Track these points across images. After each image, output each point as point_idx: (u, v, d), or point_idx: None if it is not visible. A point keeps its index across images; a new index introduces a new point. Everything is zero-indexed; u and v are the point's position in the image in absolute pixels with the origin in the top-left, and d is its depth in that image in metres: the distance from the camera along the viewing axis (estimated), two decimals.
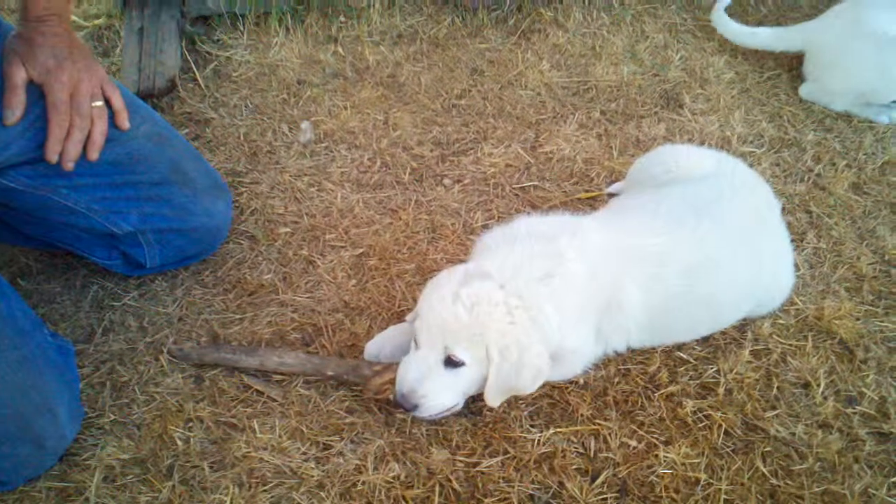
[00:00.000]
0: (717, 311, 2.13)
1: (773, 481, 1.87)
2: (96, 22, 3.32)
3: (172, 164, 2.19)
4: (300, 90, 3.02)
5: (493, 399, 1.88)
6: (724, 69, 3.14)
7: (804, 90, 2.99)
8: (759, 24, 3.32)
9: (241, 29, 3.28)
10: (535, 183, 2.66)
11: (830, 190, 2.63)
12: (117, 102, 2.02)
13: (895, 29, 2.82)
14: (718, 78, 3.10)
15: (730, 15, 3.25)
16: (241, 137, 2.79)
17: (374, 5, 3.42)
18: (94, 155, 1.98)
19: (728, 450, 1.93)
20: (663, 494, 1.83)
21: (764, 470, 1.89)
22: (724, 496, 1.83)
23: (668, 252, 2.01)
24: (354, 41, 3.28)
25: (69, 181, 2.05)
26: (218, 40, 3.23)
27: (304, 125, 2.84)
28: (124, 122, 2.03)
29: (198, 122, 2.85)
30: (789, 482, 1.87)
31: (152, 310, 2.24)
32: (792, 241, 2.38)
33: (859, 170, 2.72)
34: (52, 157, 1.92)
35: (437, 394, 1.86)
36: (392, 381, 1.91)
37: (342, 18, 3.38)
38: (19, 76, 1.88)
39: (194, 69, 3.05)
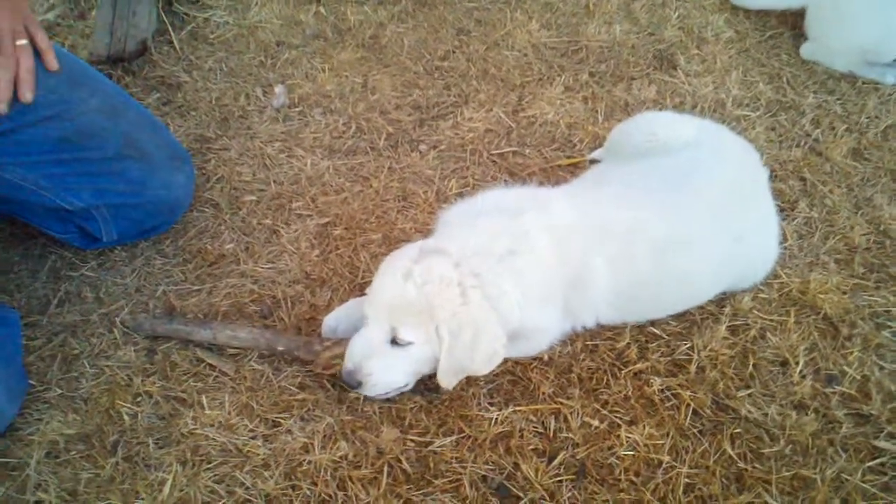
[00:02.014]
0: (690, 288, 2.04)
1: (741, 464, 1.79)
2: None
3: (126, 137, 2.14)
4: (278, 52, 2.95)
5: (446, 380, 1.82)
6: (724, 28, 3.01)
7: (805, 49, 2.86)
8: None
9: None
10: (515, 149, 2.57)
11: (827, 156, 2.51)
12: (42, 42, 1.97)
13: None
14: (717, 37, 2.97)
15: None
16: (213, 102, 2.73)
17: None
18: (27, 96, 1.92)
19: (695, 431, 1.86)
20: (622, 477, 1.77)
21: (731, 452, 1.81)
22: (685, 479, 1.76)
23: (638, 227, 1.93)
24: (338, 1, 3.18)
25: (15, 158, 2.01)
26: (197, 1, 3.15)
27: (278, 89, 2.77)
28: (52, 61, 1.98)
29: (169, 86, 2.79)
30: (757, 465, 1.79)
31: (109, 280, 2.20)
32: (782, 210, 2.28)
33: (860, 134, 2.59)
34: None
35: (383, 372, 1.80)
36: (342, 356, 1.86)
37: None
38: None
39: (170, 31, 2.99)
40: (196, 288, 2.18)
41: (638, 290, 1.96)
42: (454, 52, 2.94)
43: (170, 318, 2.07)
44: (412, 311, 1.75)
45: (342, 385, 1.90)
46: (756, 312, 2.08)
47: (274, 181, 2.47)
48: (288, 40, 3.01)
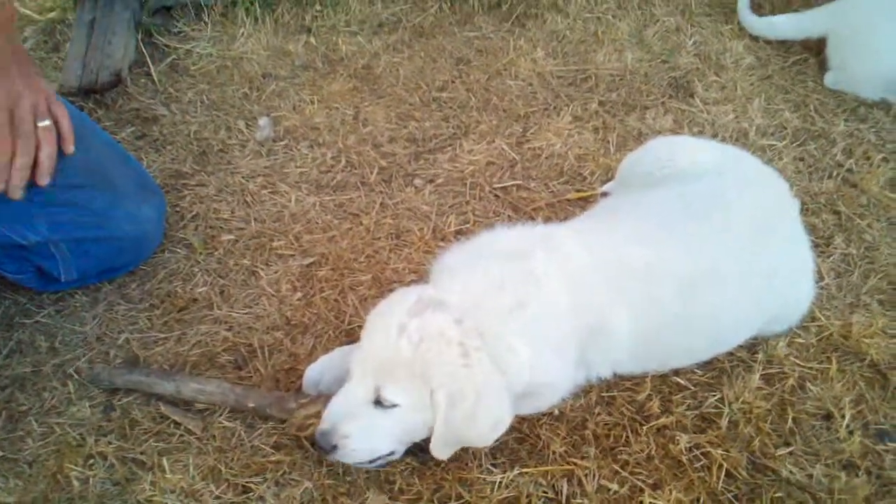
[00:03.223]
0: (719, 330, 1.85)
1: None
2: (50, 15, 3.15)
3: (90, 164, 1.98)
4: (264, 84, 2.80)
5: (440, 451, 1.62)
6: (744, 54, 2.86)
7: (829, 79, 2.70)
8: (786, 11, 3.02)
9: (206, 20, 3.07)
10: (519, 182, 2.40)
11: (863, 187, 2.33)
12: (65, 125, 1.82)
13: None
14: (736, 64, 2.81)
15: (756, 3, 2.97)
16: (191, 135, 2.58)
17: None
18: (42, 181, 1.79)
19: (730, 496, 1.65)
20: None
21: None
22: None
23: (660, 265, 1.74)
24: (330, 31, 3.06)
25: None
26: (179, 32, 3.03)
27: (262, 121, 2.62)
28: (69, 146, 1.83)
29: (145, 120, 2.64)
30: None
31: (67, 328, 2.02)
32: (816, 246, 2.10)
33: None
34: None
35: (362, 437, 1.59)
36: (319, 416, 1.65)
37: (318, 7, 3.16)
38: None
39: (149, 63, 2.85)
40: (163, 336, 1.99)
41: (662, 334, 1.77)
42: (453, 81, 2.79)
43: (130, 369, 1.88)
44: (403, 370, 1.56)
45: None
46: (793, 359, 1.89)
47: (255, 219, 2.30)
48: (275, 72, 2.87)
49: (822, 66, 2.78)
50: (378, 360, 1.57)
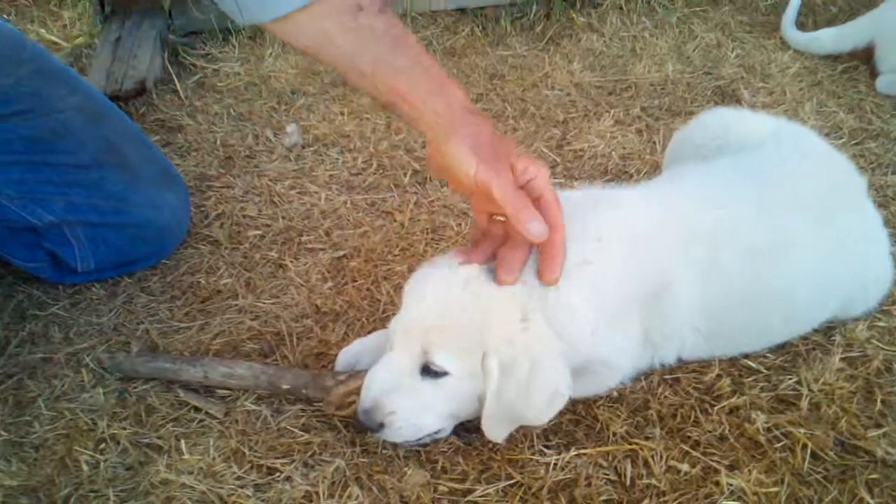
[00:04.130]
0: (793, 307, 1.70)
1: None
2: (76, 41, 3.14)
3: (107, 143, 1.91)
4: (293, 99, 2.75)
5: (493, 430, 1.46)
6: (789, 63, 2.80)
7: (881, 84, 2.62)
8: (830, 24, 2.96)
9: (234, 43, 3.05)
10: (561, 181, 2.30)
11: None
12: None
13: None
14: (783, 72, 2.74)
15: (799, 19, 2.93)
16: (217, 142, 2.51)
17: None
18: None
19: (818, 476, 1.47)
20: None
21: (871, 502, 1.41)
22: None
23: (729, 230, 1.61)
24: None
25: None
26: (206, 54, 3.01)
27: (290, 128, 2.55)
28: None
29: (170, 129, 2.58)
30: None
31: (83, 319, 1.90)
32: (889, 236, 1.95)
33: None
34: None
35: (410, 412, 1.45)
36: (359, 392, 1.50)
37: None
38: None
39: (175, 80, 2.81)
40: (184, 325, 1.87)
41: (730, 308, 1.62)
42: (488, 94, 2.73)
43: (153, 356, 1.75)
44: (455, 333, 1.41)
45: (355, 424, 1.55)
46: (875, 343, 1.74)
47: (282, 217, 2.20)
48: (304, 88, 2.81)
49: (873, 73, 2.70)
50: (425, 323, 1.43)
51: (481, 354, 1.39)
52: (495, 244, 1.46)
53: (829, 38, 2.82)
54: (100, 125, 1.92)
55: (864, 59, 2.75)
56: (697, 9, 3.21)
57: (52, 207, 1.86)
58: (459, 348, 1.41)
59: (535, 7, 3.22)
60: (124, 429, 1.63)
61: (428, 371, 1.42)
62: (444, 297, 1.42)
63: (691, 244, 1.59)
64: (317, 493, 1.46)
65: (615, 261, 1.51)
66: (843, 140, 2.40)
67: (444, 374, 1.42)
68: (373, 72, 1.37)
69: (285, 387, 1.64)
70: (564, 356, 1.43)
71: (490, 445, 1.53)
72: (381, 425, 1.44)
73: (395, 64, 1.36)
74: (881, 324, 1.78)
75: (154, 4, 3.06)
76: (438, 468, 1.50)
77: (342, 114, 2.66)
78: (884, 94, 2.62)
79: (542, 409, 1.44)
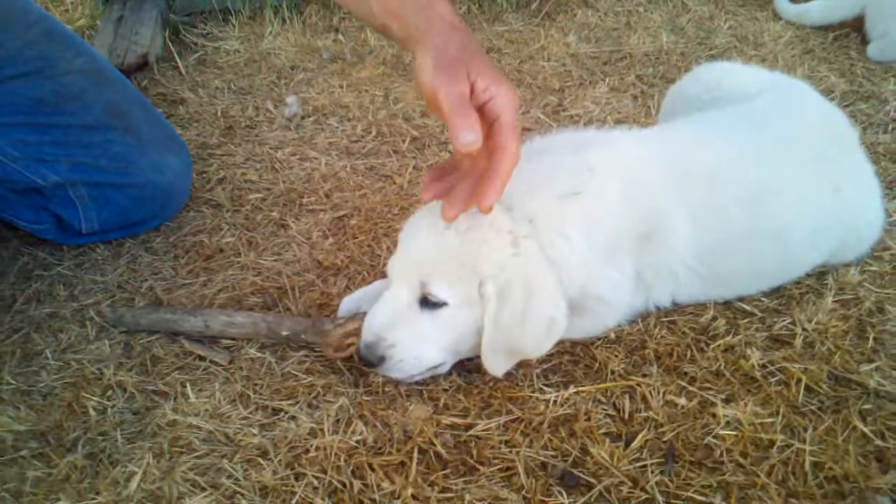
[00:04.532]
0: (788, 249, 1.72)
1: (879, 442, 1.41)
2: (79, 23, 3.17)
3: (112, 105, 1.93)
4: (292, 74, 2.78)
5: (493, 361, 1.49)
6: (781, 32, 2.83)
7: (873, 51, 2.64)
8: None
9: (234, 22, 3.08)
10: None
11: None
12: None
13: None
14: (775, 41, 2.77)
15: None
16: (218, 114, 2.54)
17: None
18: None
19: (812, 408, 1.49)
20: (725, 458, 1.39)
21: (864, 429, 1.44)
22: (809, 458, 1.37)
23: (724, 171, 1.63)
24: (358, 30, 3.05)
25: None
26: (207, 33, 3.04)
27: (290, 99, 2.58)
28: None
29: (172, 102, 2.61)
30: None
31: (87, 278, 1.92)
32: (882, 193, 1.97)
33: None
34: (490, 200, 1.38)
35: (411, 344, 1.48)
36: (357, 333, 1.53)
37: (345, 10, 3.16)
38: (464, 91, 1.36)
39: (176, 58, 2.84)
40: (188, 282, 1.90)
41: (725, 250, 1.64)
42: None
43: (155, 308, 1.77)
44: (450, 263, 1.45)
45: (358, 367, 1.57)
46: (867, 285, 1.76)
47: (283, 181, 2.23)
48: (303, 64, 2.84)
49: (864, 41, 2.72)
50: (422, 256, 1.46)
51: (477, 283, 1.42)
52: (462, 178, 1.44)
53: (819, 10, 2.85)
54: (105, 88, 1.94)
55: (856, 27, 2.77)
56: None
57: (57, 168, 1.88)
58: (455, 278, 1.44)
59: None
60: (130, 377, 1.64)
61: (426, 302, 1.45)
62: (436, 233, 1.45)
63: (687, 184, 1.61)
64: (321, 429, 1.48)
65: (606, 194, 1.54)
66: (835, 102, 2.42)
67: (442, 304, 1.44)
68: None
69: (284, 333, 1.66)
70: (558, 284, 1.45)
71: (491, 383, 1.56)
72: (382, 359, 1.46)
73: None
74: (872, 268, 1.80)
75: None
76: (441, 405, 1.52)
77: (341, 87, 2.68)
78: (875, 60, 2.64)
79: (539, 337, 1.46)
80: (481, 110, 1.33)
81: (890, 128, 2.30)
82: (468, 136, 1.29)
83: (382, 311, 1.49)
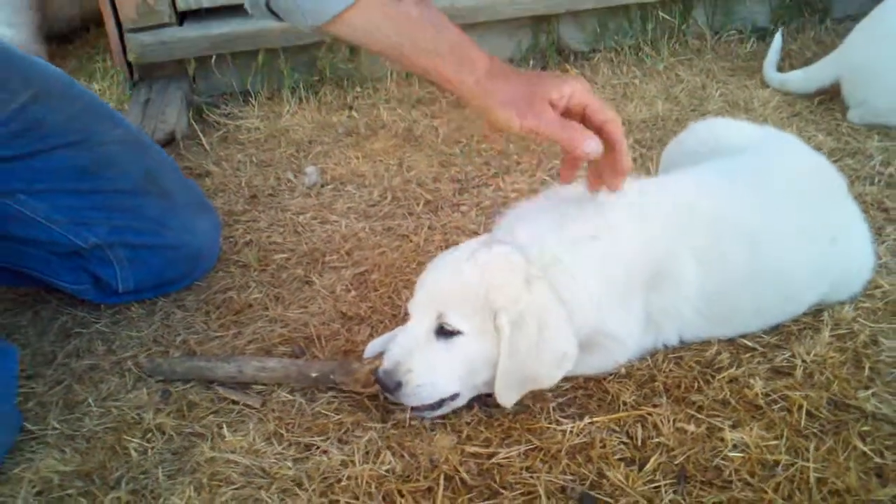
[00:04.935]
0: (786, 289, 1.82)
1: (878, 460, 1.49)
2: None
3: (147, 173, 2.07)
4: (310, 147, 2.93)
5: (506, 391, 1.58)
6: (770, 98, 2.99)
7: (853, 116, 2.79)
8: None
9: (254, 103, 3.26)
10: None
11: None
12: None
13: None
14: (764, 105, 2.93)
15: (778, 63, 3.18)
16: (242, 184, 2.69)
17: (391, 76, 3.39)
18: None
19: (814, 430, 1.58)
20: (734, 478, 1.48)
21: (864, 448, 1.52)
22: (813, 474, 1.45)
23: (724, 218, 1.76)
24: (371, 107, 3.23)
25: (28, 185, 1.93)
26: (228, 113, 3.21)
27: (309, 169, 2.72)
28: None
29: (198, 175, 2.75)
30: None
31: (124, 334, 2.03)
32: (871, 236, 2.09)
33: None
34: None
35: (427, 371, 1.58)
36: None
37: (358, 88, 3.35)
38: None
39: (200, 135, 3.00)
40: (219, 334, 2.00)
41: (729, 290, 1.76)
42: (492, 137, 2.90)
43: (189, 357, 1.88)
44: (467, 295, 1.56)
45: (385, 404, 1.67)
46: (861, 321, 1.86)
47: (306, 242, 2.36)
48: (320, 138, 3.00)
49: (844, 106, 2.87)
50: (440, 289, 1.58)
51: (491, 316, 1.54)
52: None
53: (798, 79, 3.01)
54: (140, 157, 2.08)
55: (838, 92, 2.93)
56: (682, 58, 3.42)
57: (97, 230, 2.00)
58: (470, 309, 1.55)
59: (531, 62, 3.45)
60: (169, 420, 1.73)
61: (442, 332, 1.56)
62: (453, 268, 1.58)
63: (691, 231, 1.73)
64: (352, 461, 1.56)
65: (620, 240, 1.66)
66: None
67: (458, 333, 1.55)
68: (410, 54, 1.55)
69: (314, 374, 1.76)
70: (569, 321, 1.56)
71: (510, 416, 1.64)
72: (399, 384, 1.56)
73: (428, 46, 1.53)
74: (865, 305, 1.90)
75: (178, 70, 3.28)
76: (464, 436, 1.61)
77: (357, 157, 2.83)
78: (857, 124, 2.78)
79: (551, 369, 1.56)
80: (569, 113, 1.54)
81: (876, 180, 2.43)
82: (590, 144, 1.53)
83: (402, 340, 1.60)
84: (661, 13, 3.47)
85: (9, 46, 1.98)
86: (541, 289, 1.56)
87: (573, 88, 1.56)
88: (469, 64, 1.53)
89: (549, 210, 1.71)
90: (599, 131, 1.56)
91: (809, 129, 2.76)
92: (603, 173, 1.65)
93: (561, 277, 1.59)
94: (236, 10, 3.27)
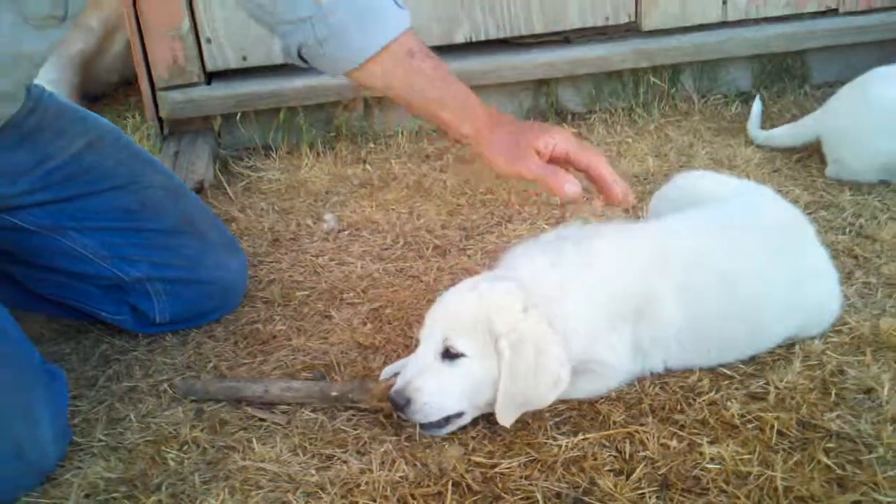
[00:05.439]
0: (759, 323, 2.00)
1: (839, 472, 1.66)
2: None
3: (184, 215, 2.26)
4: (327, 197, 3.14)
5: (505, 411, 1.75)
6: (752, 155, 3.20)
7: (830, 171, 2.99)
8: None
9: (275, 156, 3.48)
10: None
11: (875, 237, 2.56)
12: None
13: None
14: (747, 162, 3.14)
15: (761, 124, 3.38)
16: (265, 229, 2.88)
17: (402, 132, 3.61)
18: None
19: (784, 447, 1.74)
20: (711, 486, 1.64)
21: (828, 462, 1.69)
22: (781, 483, 1.62)
23: (700, 258, 1.95)
24: (383, 161, 3.44)
25: (78, 223, 2.12)
26: (251, 165, 3.42)
27: (328, 216, 2.92)
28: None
29: (225, 221, 2.93)
30: (858, 471, 1.66)
31: (159, 360, 2.21)
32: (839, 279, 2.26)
33: None
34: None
35: (434, 390, 1.75)
36: None
37: (371, 144, 3.57)
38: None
39: (225, 185, 3.21)
40: (247, 361, 2.18)
41: (705, 325, 1.93)
42: (494, 191, 3.11)
43: (220, 378, 2.05)
44: (469, 322, 1.74)
45: (398, 422, 1.84)
46: (829, 353, 2.03)
47: (325, 281, 2.54)
48: (336, 189, 3.21)
49: (824, 160, 3.08)
50: (446, 316, 1.76)
51: (492, 340, 1.72)
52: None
53: (783, 134, 3.22)
54: (179, 201, 2.28)
55: (817, 148, 3.14)
56: (672, 119, 3.65)
57: (139, 266, 2.19)
58: (472, 334, 1.74)
59: (532, 122, 3.65)
60: (203, 435, 1.90)
61: (448, 354, 1.74)
62: (456, 299, 1.79)
63: (671, 269, 1.92)
64: (370, 469, 1.72)
65: (608, 276, 1.85)
66: (800, 210, 2.75)
67: (461, 355, 1.73)
68: (420, 101, 1.78)
69: (334, 394, 1.93)
70: (563, 347, 1.74)
71: (512, 432, 1.81)
72: (409, 401, 1.73)
73: (436, 97, 1.77)
74: (834, 339, 2.07)
75: (205, 125, 3.51)
76: (470, 448, 1.77)
77: (370, 206, 3.04)
78: (833, 178, 2.99)
79: (546, 392, 1.74)
80: (555, 160, 1.78)
81: (847, 230, 2.62)
82: (570, 188, 1.76)
83: (413, 363, 1.79)
84: (652, 78, 3.70)
85: (68, 101, 2.19)
86: (537, 317, 1.74)
87: (556, 138, 1.79)
88: (472, 114, 1.76)
89: (545, 248, 1.90)
90: (587, 172, 1.76)
91: (788, 184, 2.96)
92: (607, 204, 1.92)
93: (555, 307, 1.78)
94: (260, 71, 3.52)
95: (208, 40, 3.46)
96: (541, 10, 3.64)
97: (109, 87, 4.39)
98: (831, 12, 3.76)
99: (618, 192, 1.82)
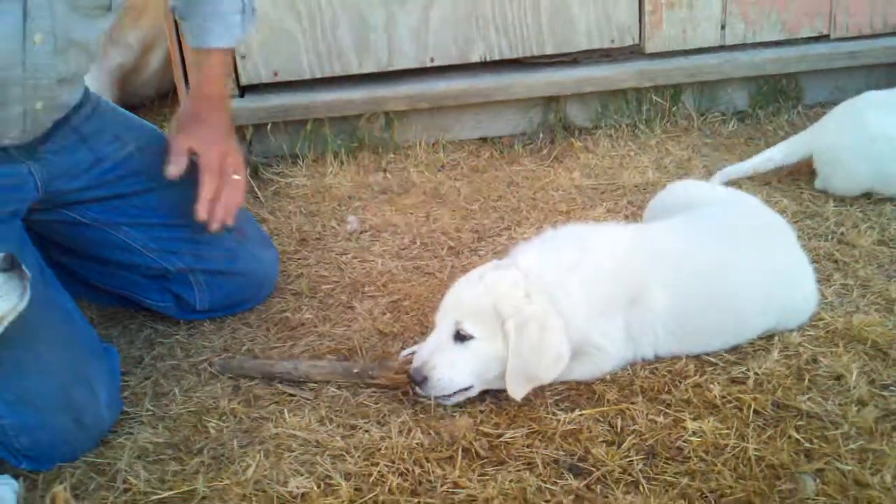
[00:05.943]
0: (740, 315, 2.17)
1: (807, 445, 1.83)
2: None
3: None
4: (350, 201, 3.33)
5: (516, 385, 1.92)
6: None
7: (818, 183, 3.15)
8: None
9: (301, 164, 3.67)
10: None
11: (854, 244, 2.72)
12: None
13: (889, 128, 3.00)
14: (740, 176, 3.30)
15: (754, 143, 3.58)
16: (293, 229, 3.08)
17: (420, 144, 3.81)
18: (228, 220, 2.28)
19: (759, 424, 1.91)
20: (692, 455, 1.81)
21: (797, 437, 1.85)
22: (754, 453, 1.79)
23: (686, 253, 2.12)
24: (402, 170, 3.63)
25: (130, 219, 2.31)
26: (279, 172, 3.62)
27: (351, 218, 3.11)
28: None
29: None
30: (824, 444, 1.83)
31: (199, 343, 2.39)
32: (818, 281, 2.42)
33: (882, 230, 2.81)
34: (202, 214, 2.22)
35: (447, 367, 1.93)
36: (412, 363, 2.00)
37: (391, 155, 3.76)
38: (185, 145, 2.27)
39: (256, 190, 3.41)
40: (278, 345, 2.36)
41: (691, 315, 2.10)
42: (506, 195, 3.30)
43: (254, 357, 2.24)
44: (477, 306, 1.93)
45: (415, 398, 2.02)
46: (805, 345, 2.19)
47: (348, 276, 2.73)
48: (359, 194, 3.40)
49: (812, 173, 3.24)
50: (457, 302, 1.94)
51: (499, 322, 1.90)
52: None
53: (778, 154, 3.35)
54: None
55: (801, 167, 3.30)
56: (672, 135, 3.82)
57: (183, 258, 2.38)
58: (480, 317, 1.92)
59: (541, 136, 3.85)
60: (240, 407, 2.08)
61: (459, 336, 1.92)
62: (466, 287, 1.98)
63: (660, 263, 2.10)
64: (389, 436, 1.90)
65: (601, 267, 2.03)
66: (786, 219, 2.92)
67: (471, 337, 1.91)
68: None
69: (356, 371, 2.11)
70: (564, 327, 1.92)
71: (516, 407, 1.98)
72: (426, 378, 1.92)
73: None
74: (810, 333, 2.24)
75: (238, 135, 3.69)
76: (479, 420, 1.95)
77: (390, 210, 3.23)
78: (821, 189, 3.15)
79: (550, 367, 1.91)
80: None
81: (829, 237, 2.78)
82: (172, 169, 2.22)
83: (428, 344, 1.97)
84: (654, 97, 3.89)
85: (122, 109, 2.39)
86: (539, 300, 1.92)
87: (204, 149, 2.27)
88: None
89: (546, 243, 2.09)
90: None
91: (776, 195, 3.13)
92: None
93: (556, 292, 1.96)
94: (289, 86, 3.73)
95: (243, 57, 3.67)
96: (551, 32, 3.84)
97: (146, 100, 4.61)
98: (823, 38, 3.93)
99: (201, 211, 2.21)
